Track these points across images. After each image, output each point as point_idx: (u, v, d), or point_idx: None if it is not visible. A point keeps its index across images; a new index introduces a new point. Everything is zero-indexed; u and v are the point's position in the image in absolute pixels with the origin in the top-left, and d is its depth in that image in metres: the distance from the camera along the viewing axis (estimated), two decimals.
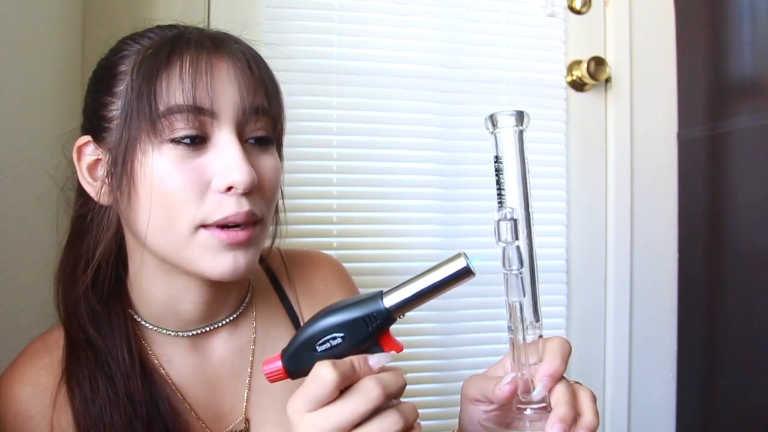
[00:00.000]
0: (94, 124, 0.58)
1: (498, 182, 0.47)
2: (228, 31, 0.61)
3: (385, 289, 0.46)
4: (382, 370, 0.45)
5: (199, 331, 0.62)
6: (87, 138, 0.58)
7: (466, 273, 0.44)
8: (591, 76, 1.27)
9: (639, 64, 1.33)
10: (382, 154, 1.22)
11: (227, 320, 0.64)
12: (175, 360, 0.62)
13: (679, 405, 1.34)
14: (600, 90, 1.32)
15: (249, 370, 0.64)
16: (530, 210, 0.47)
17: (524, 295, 0.46)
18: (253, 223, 0.55)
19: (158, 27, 0.59)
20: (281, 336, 0.67)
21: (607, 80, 1.31)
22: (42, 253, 0.77)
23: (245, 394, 0.63)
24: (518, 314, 0.47)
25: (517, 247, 0.46)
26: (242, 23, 1.13)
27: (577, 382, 0.50)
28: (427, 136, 1.24)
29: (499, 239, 0.46)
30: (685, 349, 1.33)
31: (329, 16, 1.20)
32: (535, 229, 0.48)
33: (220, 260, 0.54)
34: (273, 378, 0.47)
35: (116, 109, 0.55)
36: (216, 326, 0.63)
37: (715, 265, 1.26)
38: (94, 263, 0.59)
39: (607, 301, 1.32)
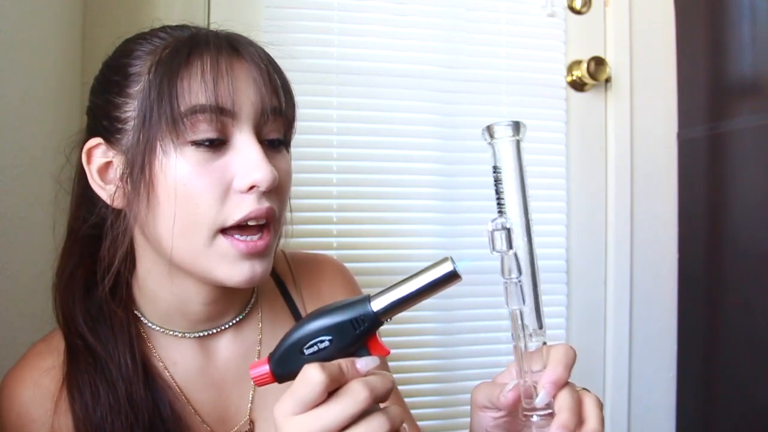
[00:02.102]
0: (105, 126, 0.56)
1: (497, 192, 0.48)
2: (241, 33, 0.60)
3: (372, 293, 0.46)
4: (370, 373, 0.45)
5: (205, 333, 0.62)
6: (97, 140, 0.57)
7: (452, 277, 0.44)
8: (591, 76, 1.27)
9: (639, 64, 1.33)
10: (382, 154, 1.22)
11: (233, 321, 0.64)
12: (180, 362, 0.61)
13: (679, 405, 1.34)
14: (600, 90, 1.32)
15: None
16: (530, 218, 0.48)
17: (524, 303, 0.47)
18: (270, 224, 0.55)
19: (168, 27, 0.58)
20: None
21: (607, 80, 1.31)
22: (42, 254, 0.77)
23: (250, 396, 0.63)
24: (519, 322, 0.47)
25: (515, 256, 0.46)
26: (242, 23, 1.13)
27: (584, 389, 0.50)
28: (427, 136, 1.24)
29: (494, 248, 0.46)
30: (685, 349, 1.33)
31: (329, 16, 1.20)
32: (535, 230, 0.48)
33: (237, 269, 0.54)
34: (260, 382, 0.47)
35: (132, 110, 0.55)
36: (222, 328, 0.63)
37: (715, 265, 1.26)
38: (114, 269, 0.58)
39: (607, 301, 1.32)
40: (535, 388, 0.48)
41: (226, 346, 0.64)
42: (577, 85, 1.30)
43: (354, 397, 0.42)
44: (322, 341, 0.44)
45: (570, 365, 0.48)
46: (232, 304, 0.64)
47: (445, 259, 0.44)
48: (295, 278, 0.72)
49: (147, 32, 0.58)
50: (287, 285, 0.71)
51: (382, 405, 0.45)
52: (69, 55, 0.95)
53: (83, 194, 0.60)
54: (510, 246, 0.46)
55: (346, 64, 1.20)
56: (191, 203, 0.53)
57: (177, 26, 0.59)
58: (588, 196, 1.32)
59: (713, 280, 1.26)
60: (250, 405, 0.63)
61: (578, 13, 1.31)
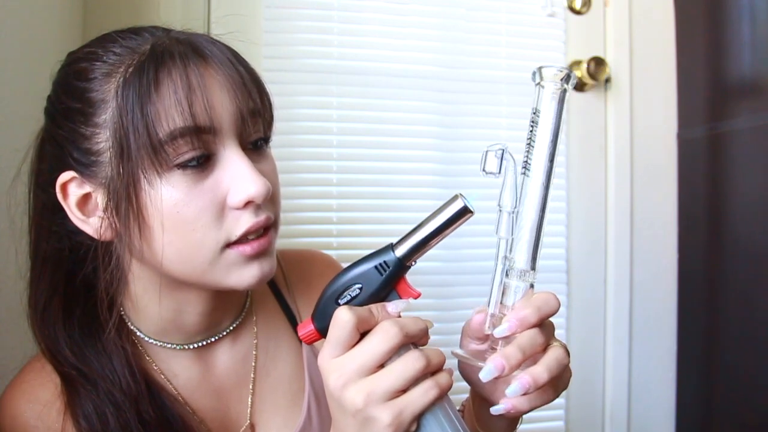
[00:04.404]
0: (76, 158, 0.53)
1: (530, 135, 0.49)
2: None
3: (394, 241, 0.48)
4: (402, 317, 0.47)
5: (203, 343, 0.62)
6: (70, 174, 0.53)
7: (464, 212, 0.47)
8: (591, 76, 1.27)
9: (639, 64, 1.33)
10: (382, 154, 1.22)
11: (229, 329, 0.64)
12: (181, 374, 0.61)
13: (679, 405, 1.34)
14: (600, 90, 1.32)
15: (252, 375, 0.64)
16: (553, 167, 0.50)
17: (512, 234, 0.49)
18: (269, 227, 0.55)
19: (118, 36, 0.54)
20: (282, 339, 0.67)
21: (607, 80, 1.31)
22: None
23: (249, 401, 0.63)
24: (503, 252, 0.49)
25: (516, 187, 0.49)
26: (242, 23, 1.14)
27: (559, 346, 0.50)
28: (427, 136, 1.24)
29: (483, 169, 0.49)
30: (685, 349, 1.33)
31: (329, 16, 1.20)
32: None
33: (247, 272, 0.54)
34: (308, 339, 0.50)
35: (104, 140, 0.51)
36: (219, 336, 0.63)
37: (715, 265, 1.26)
38: (117, 307, 0.57)
39: (607, 301, 1.32)
40: (501, 320, 0.49)
41: (224, 353, 0.63)
42: (577, 86, 1.30)
43: (385, 333, 0.45)
44: (353, 290, 0.48)
45: (543, 311, 0.49)
46: (228, 312, 0.64)
47: (455, 197, 0.47)
48: (286, 277, 0.71)
49: (96, 45, 0.54)
50: (279, 285, 0.70)
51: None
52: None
53: (59, 225, 0.56)
54: (500, 170, 0.48)
55: (346, 64, 1.20)
56: (188, 228, 0.51)
57: (128, 32, 0.55)
58: (588, 196, 1.32)
59: (713, 279, 1.26)
60: (249, 409, 0.63)
61: (578, 13, 1.31)
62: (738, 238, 1.19)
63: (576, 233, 1.31)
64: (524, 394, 0.46)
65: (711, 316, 1.26)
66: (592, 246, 1.32)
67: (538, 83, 0.49)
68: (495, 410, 0.48)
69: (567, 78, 0.49)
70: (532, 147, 0.49)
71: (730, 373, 1.20)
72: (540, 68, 0.49)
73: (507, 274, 0.49)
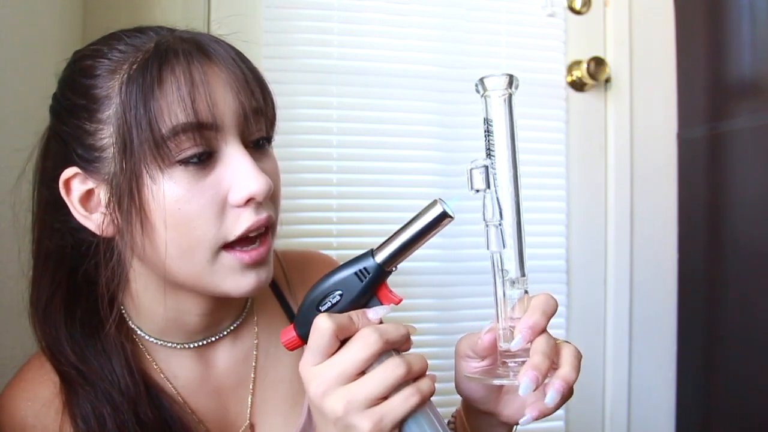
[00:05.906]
0: (80, 154, 0.53)
1: (487, 144, 0.49)
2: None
3: (375, 247, 0.48)
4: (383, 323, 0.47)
5: (203, 342, 0.62)
6: (74, 170, 0.54)
7: (443, 217, 0.46)
8: (591, 76, 1.27)
9: (639, 64, 1.33)
10: (382, 154, 1.22)
11: (230, 329, 0.64)
12: (181, 374, 0.61)
13: (679, 405, 1.34)
14: (600, 90, 1.32)
15: (252, 375, 0.64)
16: (518, 170, 0.49)
17: (504, 247, 0.48)
18: (268, 230, 0.55)
19: (124, 34, 0.55)
20: None
21: (607, 80, 1.31)
22: None
23: (249, 401, 0.64)
24: (498, 266, 0.49)
25: (497, 199, 0.48)
26: (242, 23, 1.14)
27: (566, 341, 0.50)
28: (426, 136, 1.24)
29: (472, 187, 0.48)
30: (685, 349, 1.33)
31: (329, 16, 1.20)
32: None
33: (244, 279, 0.54)
34: (290, 346, 0.50)
35: (107, 136, 0.52)
36: (219, 336, 0.63)
37: (715, 265, 1.26)
38: (118, 304, 0.57)
39: (607, 301, 1.32)
40: (512, 332, 0.48)
41: (224, 353, 0.64)
42: (577, 86, 1.30)
43: (364, 341, 0.45)
44: (333, 296, 0.48)
45: (549, 313, 0.49)
46: (229, 312, 0.64)
47: (434, 203, 0.47)
48: (287, 278, 0.72)
49: (102, 43, 0.55)
50: (280, 286, 0.70)
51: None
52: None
53: (62, 222, 0.56)
54: (488, 185, 0.47)
55: (346, 64, 1.20)
56: (189, 226, 0.51)
57: (133, 31, 0.55)
58: (588, 196, 1.32)
59: (713, 279, 1.26)
60: (249, 409, 0.63)
61: (578, 13, 1.31)
62: (738, 238, 1.19)
63: (576, 233, 1.31)
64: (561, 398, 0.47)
65: (711, 316, 1.26)
66: (592, 246, 1.32)
67: (483, 95, 0.49)
68: (524, 421, 0.49)
69: (510, 83, 0.48)
70: (494, 156, 0.49)
71: (730, 373, 1.20)
72: (482, 79, 0.49)
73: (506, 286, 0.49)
